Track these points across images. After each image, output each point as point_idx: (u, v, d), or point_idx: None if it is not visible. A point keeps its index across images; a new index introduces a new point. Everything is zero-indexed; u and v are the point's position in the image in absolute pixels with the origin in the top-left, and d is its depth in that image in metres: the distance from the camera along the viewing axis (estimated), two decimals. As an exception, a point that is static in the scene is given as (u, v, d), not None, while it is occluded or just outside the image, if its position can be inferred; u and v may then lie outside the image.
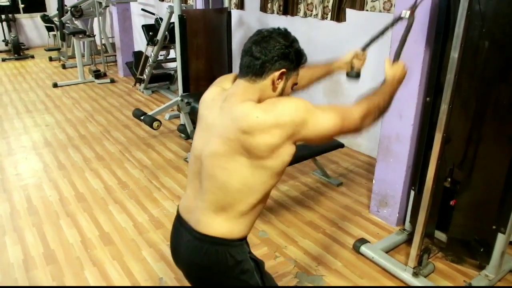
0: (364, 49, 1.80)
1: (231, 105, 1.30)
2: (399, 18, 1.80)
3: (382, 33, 1.82)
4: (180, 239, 1.46)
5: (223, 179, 1.31)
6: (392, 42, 2.64)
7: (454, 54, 1.97)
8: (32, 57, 8.42)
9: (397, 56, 1.73)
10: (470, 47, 2.10)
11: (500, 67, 2.17)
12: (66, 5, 7.32)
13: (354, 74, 1.79)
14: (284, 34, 1.30)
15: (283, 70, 1.29)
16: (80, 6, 6.89)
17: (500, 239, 2.30)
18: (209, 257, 1.36)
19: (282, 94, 1.34)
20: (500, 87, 2.19)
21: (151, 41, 5.47)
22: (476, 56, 2.18)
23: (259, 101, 1.30)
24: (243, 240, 1.40)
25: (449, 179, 2.40)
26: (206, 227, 1.36)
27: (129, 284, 2.44)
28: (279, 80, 1.30)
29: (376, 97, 1.46)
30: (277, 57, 1.27)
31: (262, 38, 1.29)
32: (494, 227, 2.30)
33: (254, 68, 1.29)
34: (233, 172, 1.29)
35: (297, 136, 1.25)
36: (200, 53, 4.34)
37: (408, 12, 1.77)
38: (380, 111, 1.45)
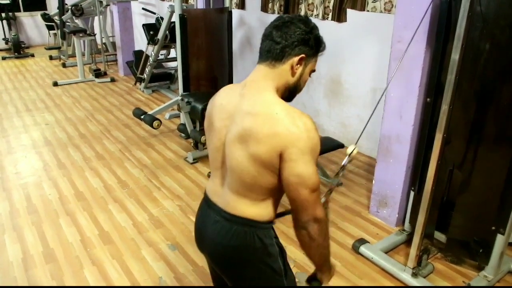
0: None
1: (253, 91, 1.31)
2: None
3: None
4: (207, 220, 1.46)
5: (238, 172, 1.32)
6: (392, 44, 2.64)
7: (455, 55, 1.97)
8: (32, 55, 8.42)
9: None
10: (471, 48, 2.10)
11: (501, 69, 2.17)
12: (66, 4, 7.32)
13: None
14: (304, 20, 1.31)
15: (303, 55, 1.30)
16: (81, 5, 6.89)
17: (499, 240, 2.30)
18: (237, 238, 1.37)
19: (300, 79, 1.35)
20: (501, 88, 2.19)
21: (151, 40, 5.47)
22: (476, 57, 2.18)
23: (278, 87, 1.31)
24: (270, 223, 1.41)
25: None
26: (235, 208, 1.37)
27: (128, 284, 2.44)
28: (298, 65, 1.31)
29: (326, 242, 1.39)
30: (297, 42, 1.28)
31: (283, 23, 1.30)
32: (493, 228, 2.31)
33: (274, 53, 1.29)
34: (244, 167, 1.29)
35: (284, 152, 1.22)
36: (201, 52, 4.34)
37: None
38: (320, 241, 1.35)
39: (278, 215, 1.45)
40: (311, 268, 2.61)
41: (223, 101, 1.40)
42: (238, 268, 1.44)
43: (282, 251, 1.44)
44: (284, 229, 2.91)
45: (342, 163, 1.69)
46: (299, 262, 2.59)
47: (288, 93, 1.35)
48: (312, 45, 1.31)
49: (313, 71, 1.39)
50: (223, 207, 1.40)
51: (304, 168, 1.23)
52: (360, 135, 2.12)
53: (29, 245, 2.75)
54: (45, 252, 2.69)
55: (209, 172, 3.63)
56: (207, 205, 1.48)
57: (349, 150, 1.69)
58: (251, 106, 1.28)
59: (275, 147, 1.22)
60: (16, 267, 2.55)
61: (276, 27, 1.30)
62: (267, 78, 1.31)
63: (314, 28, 1.33)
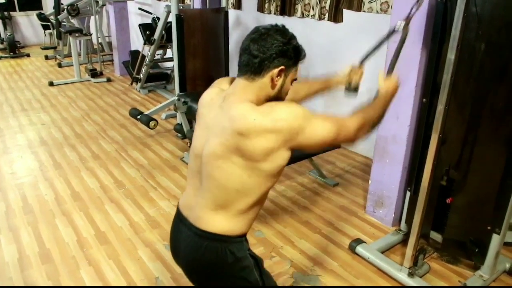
0: (361, 63, 1.80)
1: (230, 104, 1.31)
2: (393, 31, 1.81)
3: (377, 46, 1.83)
4: (180, 235, 1.46)
5: (220, 179, 1.31)
6: (388, 44, 2.64)
7: (451, 55, 1.98)
8: (28, 55, 8.39)
9: (391, 69, 1.74)
10: (466, 49, 2.11)
11: (496, 69, 2.18)
12: (62, 4, 7.28)
13: (352, 88, 1.79)
14: (282, 31, 1.31)
15: (282, 67, 1.29)
16: (77, 5, 6.87)
17: (495, 239, 2.31)
18: (209, 253, 1.36)
19: (281, 90, 1.34)
20: (496, 88, 2.20)
21: (148, 40, 5.45)
22: (472, 57, 2.19)
23: (258, 99, 1.30)
24: (242, 237, 1.40)
25: (445, 178, 2.41)
26: (206, 223, 1.36)
27: (125, 284, 2.43)
28: (278, 77, 1.30)
29: (371, 110, 1.48)
30: (275, 54, 1.27)
31: (260, 35, 1.29)
32: (489, 227, 2.32)
33: (252, 67, 1.29)
34: (230, 173, 1.29)
35: (292, 142, 1.25)
36: (197, 52, 4.34)
37: (402, 24, 1.77)
38: (374, 123, 1.46)
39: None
40: (307, 268, 2.63)
41: (204, 109, 1.41)
42: (212, 282, 1.44)
43: (257, 262, 1.43)
44: (280, 229, 2.92)
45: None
46: (296, 262, 2.59)
47: None
48: (291, 55, 1.30)
49: (295, 79, 1.38)
50: (193, 222, 1.40)
51: (317, 136, 1.28)
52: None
53: (25, 246, 2.74)
54: (41, 253, 2.68)
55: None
56: (179, 219, 1.48)
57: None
58: (229, 120, 1.27)
59: (275, 145, 1.24)
60: (12, 268, 2.54)
61: (253, 40, 1.30)
62: (246, 91, 1.31)
63: (292, 38, 1.32)
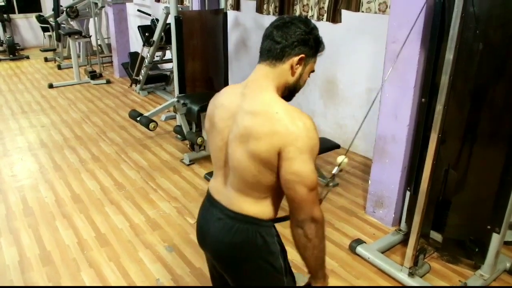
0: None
1: (254, 91, 1.32)
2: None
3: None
4: (210, 218, 1.47)
5: (240, 170, 1.34)
6: (387, 44, 2.65)
7: (449, 55, 1.99)
8: (28, 57, 8.39)
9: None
10: (464, 49, 2.11)
11: (494, 68, 2.18)
12: (61, 6, 7.30)
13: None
14: (304, 21, 1.33)
15: (302, 55, 1.31)
16: (76, 7, 6.88)
17: (495, 239, 2.31)
18: (240, 235, 1.39)
19: (299, 79, 1.36)
20: (494, 87, 2.21)
21: (147, 42, 5.47)
22: (470, 57, 2.19)
23: (279, 85, 1.33)
24: (272, 221, 1.43)
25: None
26: (238, 206, 1.39)
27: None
28: (298, 65, 1.33)
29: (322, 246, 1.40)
30: (297, 42, 1.30)
31: (284, 23, 1.32)
32: (489, 227, 2.32)
33: (274, 52, 1.31)
34: (246, 166, 1.31)
35: (282, 150, 1.24)
36: (196, 54, 4.35)
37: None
38: (319, 242, 1.37)
39: (279, 220, 1.46)
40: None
41: (225, 101, 1.41)
42: (239, 265, 1.45)
43: (283, 250, 1.47)
44: (281, 230, 2.91)
45: (333, 172, 1.69)
46: (296, 263, 2.59)
47: (288, 92, 1.37)
48: (312, 45, 1.33)
49: (313, 71, 1.40)
50: (226, 205, 1.42)
51: (302, 166, 1.25)
52: (354, 138, 2.12)
53: (25, 248, 2.75)
54: (42, 255, 2.68)
55: (206, 174, 3.65)
56: (209, 203, 1.50)
57: (338, 160, 1.70)
58: (251, 105, 1.30)
59: (274, 145, 1.24)
60: (13, 270, 2.55)
61: (277, 27, 1.32)
62: (267, 77, 1.33)
63: (314, 28, 1.34)
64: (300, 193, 1.27)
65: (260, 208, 1.39)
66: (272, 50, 1.32)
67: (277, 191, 1.37)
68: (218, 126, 1.41)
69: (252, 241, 1.39)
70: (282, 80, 1.33)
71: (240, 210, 1.39)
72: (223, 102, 1.42)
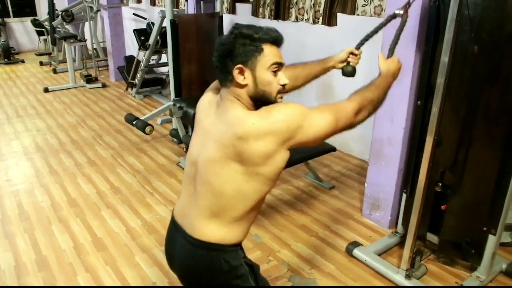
0: (358, 47, 1.81)
1: (225, 110, 1.31)
2: (392, 16, 1.82)
3: (376, 31, 1.83)
4: (174, 243, 1.46)
5: (217, 185, 1.31)
6: (383, 47, 2.66)
7: (444, 58, 2.00)
8: (23, 61, 8.37)
9: (391, 52, 1.75)
10: (459, 52, 2.12)
11: (490, 71, 2.20)
12: (57, 10, 7.29)
13: (349, 69, 1.79)
14: (227, 34, 1.31)
15: (238, 65, 1.27)
16: (71, 11, 6.87)
17: (491, 240, 2.32)
18: (203, 262, 1.36)
19: (257, 85, 1.29)
20: (490, 90, 2.22)
21: (142, 45, 5.46)
22: (465, 60, 2.21)
23: (246, 102, 1.31)
24: (237, 245, 1.40)
25: (440, 184, 2.42)
26: (200, 232, 1.36)
27: (122, 290, 2.43)
28: (241, 75, 1.28)
29: (370, 92, 1.45)
30: (223, 59, 1.29)
31: (215, 48, 1.33)
32: (485, 228, 2.33)
33: (219, 77, 1.34)
34: (227, 178, 1.29)
35: (292, 141, 1.25)
36: (192, 57, 4.35)
37: (402, 10, 1.79)
38: (374, 105, 1.45)
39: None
40: (304, 271, 2.63)
41: (202, 114, 1.42)
42: None
43: (253, 269, 1.42)
44: (277, 233, 2.92)
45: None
46: (293, 266, 2.59)
47: (260, 102, 1.31)
48: (241, 50, 1.26)
49: (276, 64, 1.29)
50: (188, 231, 1.39)
51: (316, 131, 1.28)
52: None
53: (21, 253, 2.73)
54: (38, 260, 2.67)
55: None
56: (174, 228, 1.48)
57: None
58: (227, 125, 1.28)
59: (274, 147, 1.24)
60: (8, 275, 2.53)
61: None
62: (230, 98, 1.32)
63: (233, 34, 1.29)
64: (338, 128, 1.34)
65: (225, 233, 1.35)
66: (218, 75, 1.34)
67: (256, 206, 1.35)
68: (194, 139, 1.43)
69: (217, 268, 1.36)
70: (243, 95, 1.30)
71: (202, 237, 1.35)
72: (200, 116, 1.44)
